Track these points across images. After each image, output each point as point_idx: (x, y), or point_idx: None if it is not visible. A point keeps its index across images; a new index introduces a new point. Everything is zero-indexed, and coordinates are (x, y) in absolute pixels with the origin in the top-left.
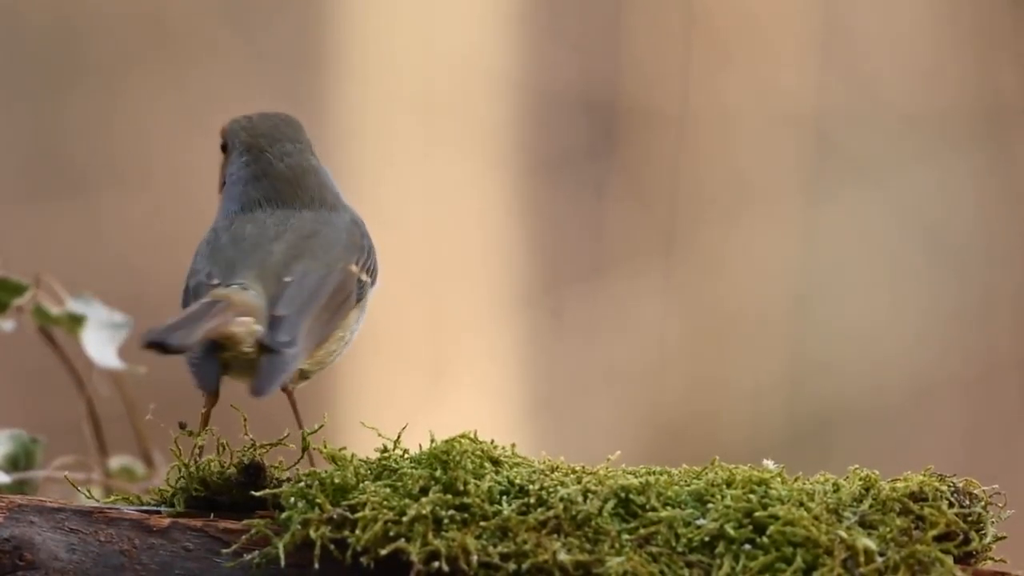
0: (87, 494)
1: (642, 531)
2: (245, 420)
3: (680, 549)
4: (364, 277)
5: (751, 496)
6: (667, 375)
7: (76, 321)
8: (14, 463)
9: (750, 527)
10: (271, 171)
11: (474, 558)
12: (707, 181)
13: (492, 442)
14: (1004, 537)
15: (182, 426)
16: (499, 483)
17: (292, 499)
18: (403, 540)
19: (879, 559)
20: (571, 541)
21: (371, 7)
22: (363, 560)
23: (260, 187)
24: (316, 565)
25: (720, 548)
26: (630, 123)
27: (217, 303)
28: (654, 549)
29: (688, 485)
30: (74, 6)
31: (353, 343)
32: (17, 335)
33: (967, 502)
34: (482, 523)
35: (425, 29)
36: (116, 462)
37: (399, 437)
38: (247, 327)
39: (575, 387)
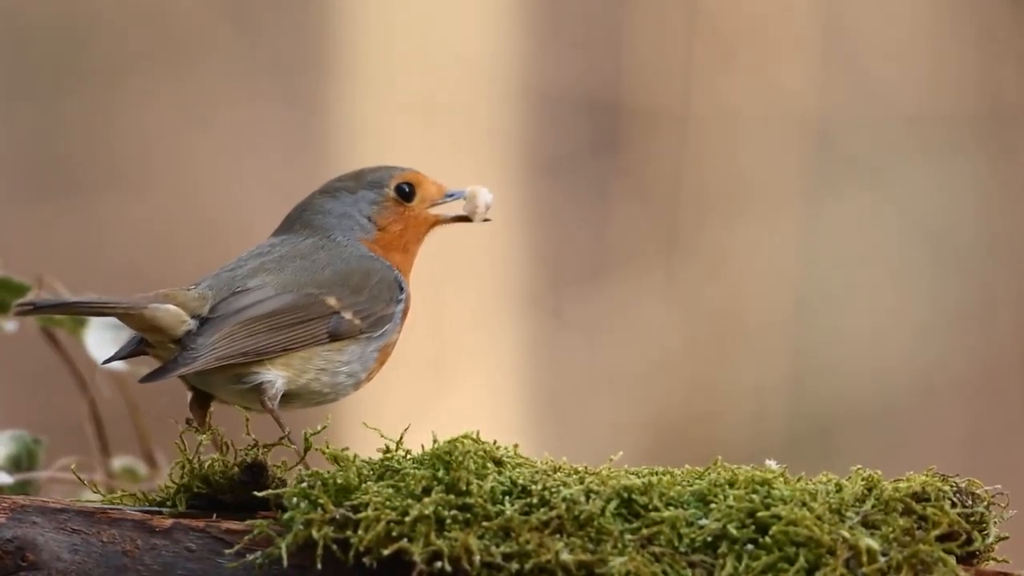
0: (94, 488)
1: (645, 531)
2: (247, 420)
3: (683, 549)
4: (350, 317)
5: (753, 496)
6: (669, 375)
7: (78, 322)
8: (16, 464)
9: (753, 527)
10: (315, 204)
11: (477, 558)
12: (709, 182)
13: (494, 442)
14: (1007, 537)
15: (189, 422)
16: (502, 483)
17: (295, 499)
18: (406, 540)
19: (882, 559)
20: (574, 541)
21: (373, 8)
22: (365, 560)
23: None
24: (319, 565)
25: (723, 548)
26: (632, 124)
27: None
28: (657, 549)
29: (691, 485)
30: (75, 7)
31: (355, 383)
32: (19, 336)
33: (970, 502)
34: (485, 523)
35: (427, 30)
36: (118, 462)
37: (401, 438)
38: (171, 314)
39: (577, 387)
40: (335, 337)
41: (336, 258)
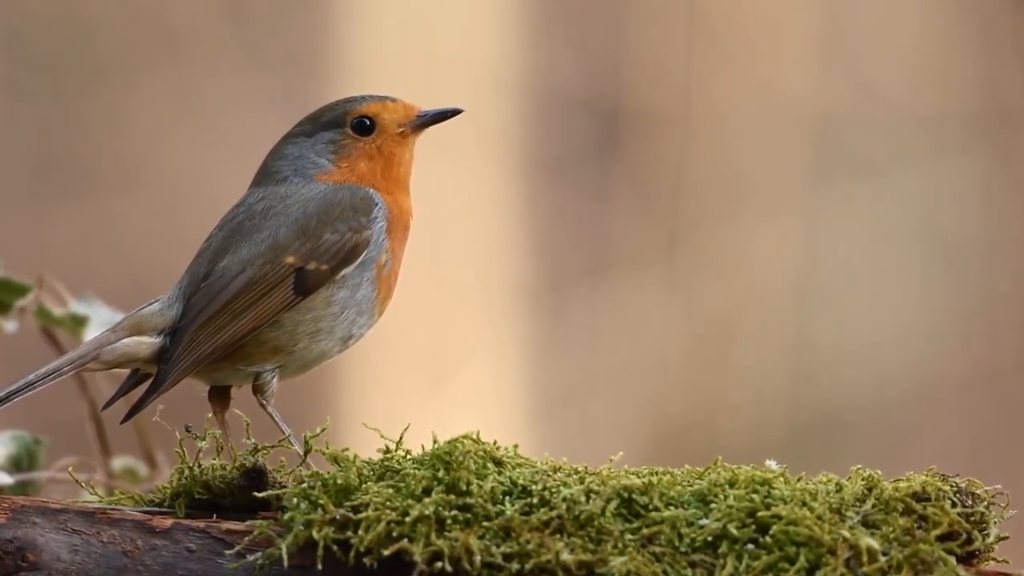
0: (91, 490)
1: (645, 531)
2: (248, 423)
3: (683, 549)
4: (314, 267)
5: (754, 496)
6: (670, 376)
7: (78, 322)
8: (17, 464)
9: (753, 527)
10: (276, 151)
11: (477, 558)
12: (709, 182)
13: (495, 443)
14: (1007, 537)
15: (188, 429)
16: (502, 483)
17: (295, 500)
18: (406, 540)
19: (882, 558)
20: (574, 541)
21: (373, 8)
22: (366, 561)
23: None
24: (319, 566)
25: (723, 548)
26: (632, 124)
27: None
28: (657, 549)
29: (691, 485)
30: (75, 7)
31: (367, 319)
32: (20, 336)
33: (970, 502)
34: (485, 523)
35: (427, 31)
36: (119, 463)
37: (401, 438)
38: (130, 347)
39: (578, 388)
40: (306, 292)
41: (291, 210)
